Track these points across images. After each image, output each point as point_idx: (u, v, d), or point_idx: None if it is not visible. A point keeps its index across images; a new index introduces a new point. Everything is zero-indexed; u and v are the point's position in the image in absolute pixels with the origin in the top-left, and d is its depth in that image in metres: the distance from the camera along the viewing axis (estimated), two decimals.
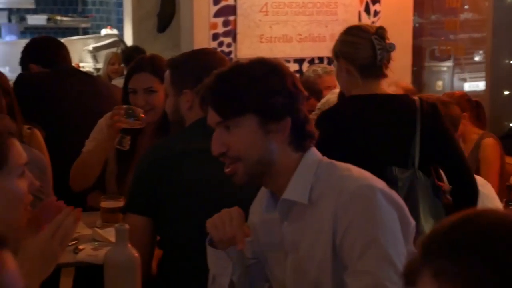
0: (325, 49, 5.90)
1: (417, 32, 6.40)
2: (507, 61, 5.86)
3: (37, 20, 9.53)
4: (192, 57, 2.63)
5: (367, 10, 6.03)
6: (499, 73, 5.86)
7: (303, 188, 1.84)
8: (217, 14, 5.65)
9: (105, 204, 2.98)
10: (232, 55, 5.70)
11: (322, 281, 1.81)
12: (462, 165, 2.83)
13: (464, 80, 6.55)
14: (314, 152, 1.90)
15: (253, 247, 1.99)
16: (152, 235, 2.48)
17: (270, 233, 1.95)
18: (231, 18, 5.69)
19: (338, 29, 5.91)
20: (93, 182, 3.13)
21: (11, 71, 6.59)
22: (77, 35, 9.11)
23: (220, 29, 5.68)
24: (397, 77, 4.79)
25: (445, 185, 2.82)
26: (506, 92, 5.86)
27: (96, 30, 9.62)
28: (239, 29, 5.70)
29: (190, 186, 2.38)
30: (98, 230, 2.82)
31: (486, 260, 0.90)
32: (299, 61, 5.91)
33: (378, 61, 2.77)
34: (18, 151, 1.79)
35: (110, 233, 2.78)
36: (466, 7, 6.38)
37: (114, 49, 7.65)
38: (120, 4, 9.31)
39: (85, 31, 9.63)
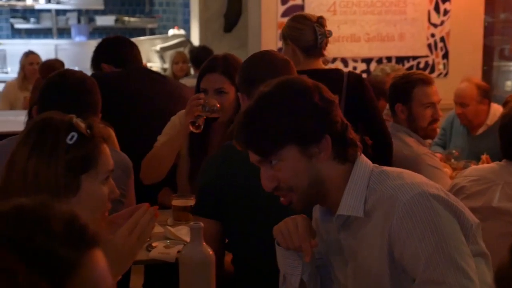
0: (393, 49, 5.85)
1: (486, 31, 6.28)
2: None
3: (106, 20, 9.69)
4: (247, 60, 2.64)
5: (436, 8, 5.95)
6: None
7: (357, 201, 1.82)
8: (284, 14, 5.64)
9: (177, 202, 3.00)
10: None
11: None
12: (381, 125, 3.32)
13: None
14: (363, 162, 1.87)
15: (319, 247, 1.97)
16: (221, 237, 2.49)
17: (328, 238, 1.94)
18: None
19: (407, 28, 5.93)
20: (164, 177, 3.15)
21: None
22: (144, 35, 9.22)
23: None
24: (468, 75, 4.70)
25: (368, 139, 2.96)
26: None
27: (162, 30, 9.73)
28: None
29: (257, 189, 2.38)
30: (170, 228, 2.84)
31: None
32: (367, 60, 5.86)
33: (318, 44, 3.31)
34: (107, 157, 1.82)
35: (181, 231, 2.80)
36: None
37: (181, 49, 7.72)
38: (186, 5, 9.40)
39: (152, 32, 9.74)
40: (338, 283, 1.95)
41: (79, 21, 9.71)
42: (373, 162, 1.89)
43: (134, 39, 4.54)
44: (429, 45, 5.97)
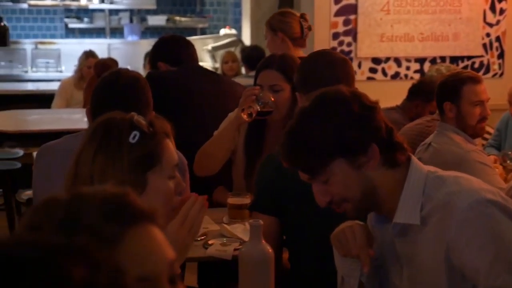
0: (448, 49, 5.79)
1: None
2: None
3: (157, 20, 9.77)
4: (305, 59, 2.63)
5: (492, 8, 5.86)
6: None
7: (413, 209, 1.80)
8: (338, 13, 5.63)
9: (232, 200, 3.01)
10: (352, 55, 5.66)
11: None
12: None
13: None
14: (417, 167, 1.84)
15: (374, 249, 1.96)
16: (279, 234, 2.49)
17: (384, 243, 1.92)
18: (352, 17, 5.65)
19: (462, 28, 5.85)
20: (218, 171, 3.17)
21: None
22: (195, 35, 9.28)
23: (341, 28, 5.66)
24: None
25: None
26: None
27: (213, 30, 9.78)
28: (360, 28, 5.66)
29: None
30: (226, 226, 2.85)
31: None
32: (420, 60, 5.81)
33: (304, 35, 3.85)
34: (171, 152, 1.84)
35: (237, 229, 2.82)
36: None
37: (231, 49, 7.75)
38: (237, 5, 9.44)
39: (203, 31, 9.80)
40: (394, 286, 1.94)
41: (131, 20, 9.82)
42: None
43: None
44: (484, 45, 5.89)
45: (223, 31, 8.96)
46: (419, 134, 3.70)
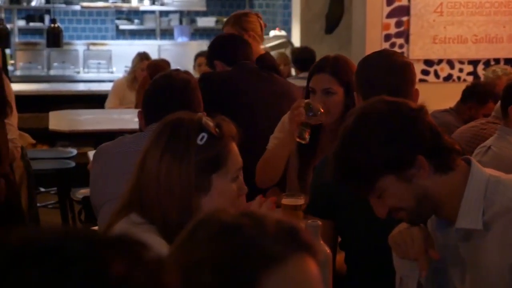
0: (502, 51, 5.71)
1: None
2: None
3: (207, 22, 9.83)
4: (365, 61, 2.61)
5: None
6: None
7: (475, 213, 1.78)
8: (390, 15, 5.59)
9: (286, 201, 3.00)
10: None
11: None
12: None
13: None
14: (479, 170, 1.82)
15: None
16: (334, 236, 2.49)
17: (445, 246, 1.91)
18: (404, 18, 5.62)
19: None
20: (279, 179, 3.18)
21: None
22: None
23: (393, 30, 5.62)
24: None
25: None
26: None
27: None
28: (412, 30, 5.61)
29: None
30: None
31: None
32: (474, 62, 5.74)
33: (264, 33, 4.18)
34: (236, 155, 1.86)
35: None
36: None
37: (282, 50, 7.75)
38: (286, 6, 9.44)
39: None
40: None
41: (181, 22, 9.90)
42: None
43: None
44: None
45: (272, 33, 8.97)
46: (473, 137, 3.65)
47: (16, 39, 9.03)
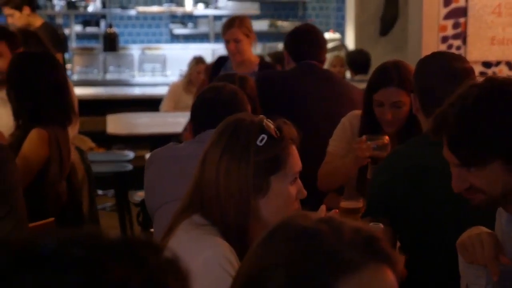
0: None
1: None
2: None
3: (260, 25, 9.84)
4: (423, 64, 2.57)
5: None
6: None
7: None
8: (447, 16, 5.52)
9: (345, 204, 2.99)
10: None
11: None
12: None
13: None
14: None
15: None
16: (393, 241, 2.46)
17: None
18: (462, 20, 5.54)
19: None
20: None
21: None
22: None
23: (450, 32, 5.55)
24: None
25: None
26: None
27: None
28: (470, 31, 5.54)
29: (434, 198, 2.34)
30: None
31: None
32: None
33: None
34: (296, 158, 1.87)
35: None
36: None
37: (336, 53, 7.73)
38: (339, 9, 9.40)
39: None
40: None
41: None
42: None
43: None
44: None
45: (326, 35, 8.94)
46: None
47: (73, 44, 9.18)
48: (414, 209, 2.37)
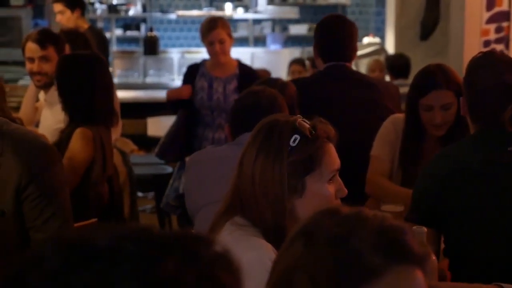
0: None
1: None
2: None
3: (299, 29, 9.86)
4: (474, 66, 2.54)
5: None
6: None
7: None
8: (489, 20, 5.47)
9: (386, 208, 2.98)
10: None
11: None
12: None
13: None
14: None
15: None
16: (436, 244, 2.45)
17: None
18: (505, 24, 5.48)
19: None
20: None
21: None
22: None
23: (492, 36, 5.50)
24: None
25: None
26: None
27: None
28: None
29: (478, 200, 2.32)
30: None
31: None
32: None
33: None
34: (332, 156, 1.85)
35: None
36: None
37: (375, 57, 7.69)
38: (379, 13, 9.37)
39: None
40: None
41: (273, 30, 9.95)
42: None
43: None
44: None
45: (366, 40, 8.91)
46: None
47: (114, 47, 9.28)
48: (458, 212, 2.36)
